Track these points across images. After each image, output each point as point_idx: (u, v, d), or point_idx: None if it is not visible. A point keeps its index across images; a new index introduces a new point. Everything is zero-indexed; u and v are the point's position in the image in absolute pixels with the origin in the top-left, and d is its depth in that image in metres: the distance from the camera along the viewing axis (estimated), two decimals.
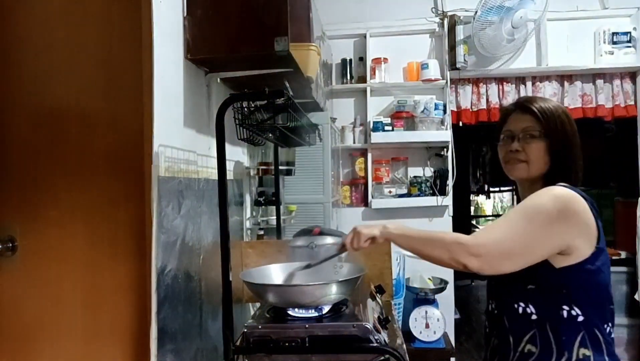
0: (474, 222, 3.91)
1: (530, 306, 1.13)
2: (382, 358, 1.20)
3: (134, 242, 1.32)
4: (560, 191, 1.11)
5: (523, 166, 1.22)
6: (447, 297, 3.07)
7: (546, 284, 1.11)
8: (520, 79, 3.19)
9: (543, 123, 1.20)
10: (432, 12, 3.20)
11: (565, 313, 1.09)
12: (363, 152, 3.27)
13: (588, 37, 3.10)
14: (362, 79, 3.25)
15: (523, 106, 1.25)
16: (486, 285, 1.31)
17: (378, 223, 1.22)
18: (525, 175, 1.22)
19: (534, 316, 1.12)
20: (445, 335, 2.85)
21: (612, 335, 1.13)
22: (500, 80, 3.19)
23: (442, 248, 1.09)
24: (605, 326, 1.11)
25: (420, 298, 2.88)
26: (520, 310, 1.14)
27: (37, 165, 1.39)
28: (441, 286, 2.96)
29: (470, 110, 3.22)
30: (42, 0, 1.40)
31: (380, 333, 1.24)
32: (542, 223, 1.07)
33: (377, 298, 1.53)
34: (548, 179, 1.20)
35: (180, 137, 1.47)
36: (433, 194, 3.14)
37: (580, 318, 1.09)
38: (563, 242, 1.07)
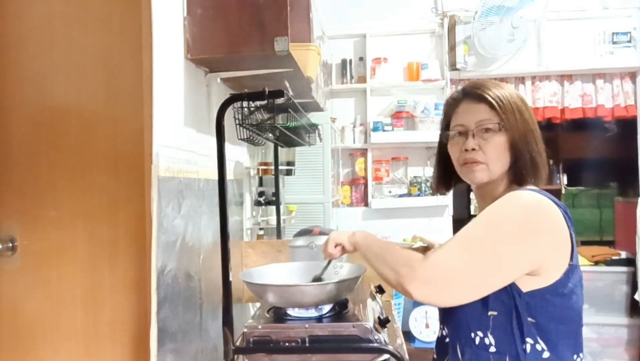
0: None
1: (490, 337, 0.93)
2: (382, 358, 1.20)
3: (134, 242, 1.32)
4: (529, 198, 0.93)
5: (482, 168, 1.02)
6: None
7: (511, 312, 0.91)
8: (520, 79, 3.19)
9: (500, 113, 1.00)
10: (432, 12, 3.20)
11: (528, 348, 0.91)
12: (363, 152, 3.27)
13: (588, 37, 3.10)
14: (362, 79, 3.25)
15: (474, 93, 1.04)
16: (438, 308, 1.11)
17: (351, 231, 1.17)
18: (487, 179, 1.02)
19: (492, 349, 0.93)
20: None
21: None
22: (501, 80, 3.19)
23: (391, 268, 0.94)
24: (576, 357, 0.94)
25: None
26: (478, 339, 0.95)
27: (37, 165, 1.39)
28: None
29: None
30: (42, 0, 1.40)
31: (380, 333, 1.24)
32: (508, 239, 0.88)
33: (377, 298, 1.53)
34: (511, 180, 1.02)
35: (180, 137, 1.47)
36: (433, 194, 3.14)
37: (546, 355, 0.91)
38: (534, 261, 0.89)
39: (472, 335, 0.96)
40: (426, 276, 0.88)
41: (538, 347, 0.91)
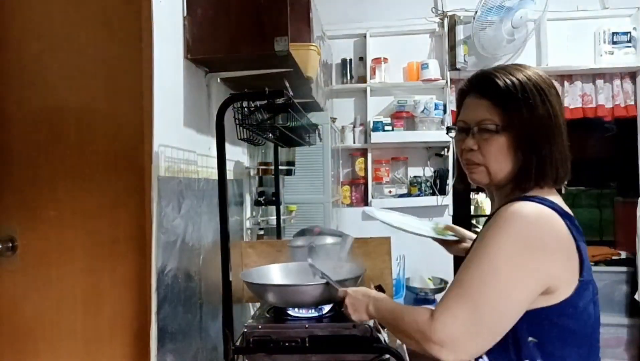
0: (474, 221, 3.95)
1: (484, 357, 0.88)
2: (382, 358, 1.20)
3: (134, 242, 1.32)
4: (529, 212, 0.84)
5: (481, 170, 0.95)
6: None
7: (509, 331, 0.84)
8: None
9: (502, 112, 0.90)
10: (432, 12, 3.20)
11: None
12: (363, 152, 3.27)
13: (588, 37, 3.10)
14: (362, 79, 3.25)
15: (479, 86, 0.95)
16: None
17: (366, 300, 1.06)
18: (487, 181, 0.95)
19: None
20: None
21: None
22: None
23: (406, 336, 0.89)
24: None
25: (420, 298, 2.88)
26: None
27: (37, 165, 1.39)
28: (441, 286, 2.95)
29: None
30: (42, 0, 1.40)
31: (380, 333, 1.24)
32: (512, 267, 0.80)
33: None
34: (515, 185, 0.93)
35: (180, 137, 1.47)
36: (433, 194, 3.14)
37: None
38: (544, 281, 0.82)
39: None
40: (440, 339, 0.82)
41: None
